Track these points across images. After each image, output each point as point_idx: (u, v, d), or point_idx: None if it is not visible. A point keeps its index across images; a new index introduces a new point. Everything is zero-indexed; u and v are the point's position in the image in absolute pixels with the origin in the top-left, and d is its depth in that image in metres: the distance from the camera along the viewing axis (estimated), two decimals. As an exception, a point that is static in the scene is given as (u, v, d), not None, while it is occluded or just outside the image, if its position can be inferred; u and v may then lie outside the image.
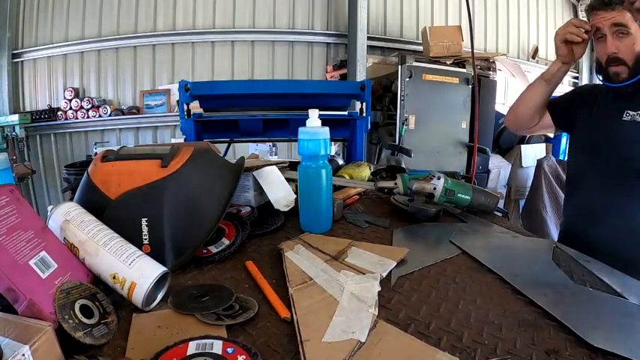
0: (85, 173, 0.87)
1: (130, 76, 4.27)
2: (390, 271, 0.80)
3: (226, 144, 2.15)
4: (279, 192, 1.18)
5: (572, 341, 0.57)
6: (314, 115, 0.98)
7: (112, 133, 4.31)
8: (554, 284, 0.75)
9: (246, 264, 0.85)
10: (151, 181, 0.83)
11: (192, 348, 0.55)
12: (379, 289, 0.72)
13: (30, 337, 0.52)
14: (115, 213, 0.81)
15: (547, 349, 0.56)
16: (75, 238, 0.72)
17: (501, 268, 0.80)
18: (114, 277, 0.69)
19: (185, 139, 1.85)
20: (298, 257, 0.85)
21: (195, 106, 1.85)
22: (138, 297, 0.68)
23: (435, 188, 1.10)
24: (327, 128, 0.99)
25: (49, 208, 0.79)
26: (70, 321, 0.60)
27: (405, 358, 0.54)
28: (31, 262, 0.64)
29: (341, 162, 1.71)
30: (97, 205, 0.81)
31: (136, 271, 0.69)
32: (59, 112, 4.25)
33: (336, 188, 1.33)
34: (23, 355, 0.50)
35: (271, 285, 0.76)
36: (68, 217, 0.75)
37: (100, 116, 4.16)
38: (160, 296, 0.73)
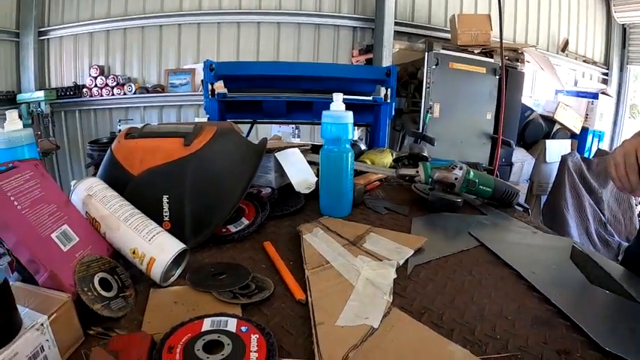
0: (109, 150, 0.89)
1: (155, 55, 4.29)
2: (407, 260, 0.79)
3: (249, 124, 2.14)
4: (301, 174, 1.18)
5: (585, 343, 0.56)
6: (338, 99, 0.98)
7: (136, 111, 4.35)
8: (571, 284, 0.74)
9: (265, 245, 0.86)
10: (174, 159, 0.84)
11: (207, 325, 0.56)
12: (395, 276, 0.72)
13: (49, 307, 0.54)
14: (137, 189, 0.82)
15: (559, 348, 0.55)
16: (97, 213, 0.74)
17: (518, 264, 0.79)
18: (133, 252, 0.71)
19: (209, 119, 1.86)
20: (316, 240, 0.85)
21: (220, 86, 1.86)
22: (156, 272, 0.69)
23: (456, 178, 1.09)
24: (350, 113, 0.98)
25: (73, 182, 0.80)
26: (89, 293, 0.62)
27: (417, 347, 0.54)
28: (53, 235, 0.65)
29: (363, 147, 1.70)
30: (119, 181, 0.83)
31: (156, 246, 0.71)
32: (84, 90, 4.29)
33: (358, 173, 1.32)
34: (42, 324, 0.51)
35: (288, 266, 0.76)
36: (91, 192, 0.76)
37: (124, 94, 4.20)
38: (177, 272, 0.74)
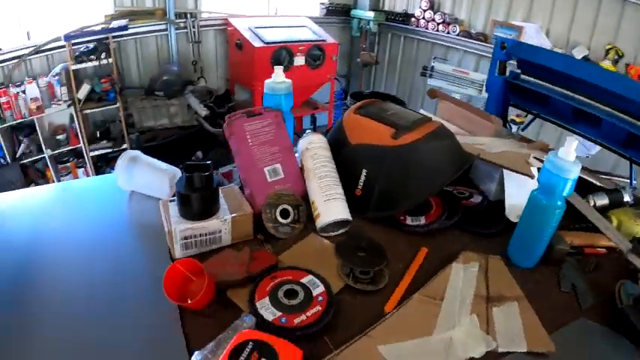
0: (341, 117, 1.08)
1: (485, 3, 4.13)
2: (510, 353, 0.72)
3: (532, 116, 1.91)
4: (519, 200, 1.02)
5: None
6: (570, 145, 0.82)
7: (455, 53, 4.39)
8: None
9: (420, 251, 0.91)
10: (381, 144, 0.96)
11: (305, 279, 0.74)
12: (478, 357, 0.69)
13: (237, 211, 0.83)
14: (348, 155, 1.01)
15: None
16: (305, 164, 0.96)
17: None
18: (312, 203, 0.92)
19: (487, 99, 1.81)
20: (460, 276, 0.85)
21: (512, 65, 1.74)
22: (317, 224, 0.90)
23: None
24: (578, 168, 0.82)
25: (307, 131, 1.03)
26: (269, 215, 0.87)
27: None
28: (265, 169, 0.93)
29: (627, 199, 1.26)
30: (339, 143, 1.02)
31: (326, 207, 0.90)
32: (412, 19, 4.57)
33: (590, 228, 1.07)
34: (226, 220, 0.81)
35: (413, 279, 0.82)
36: (309, 146, 0.98)
37: (447, 33, 4.28)
38: (338, 232, 0.92)
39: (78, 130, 3.57)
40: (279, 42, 3.55)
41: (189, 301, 0.69)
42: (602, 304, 0.86)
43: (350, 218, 0.91)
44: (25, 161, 3.45)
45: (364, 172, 0.98)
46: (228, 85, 4.30)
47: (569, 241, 0.98)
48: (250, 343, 0.58)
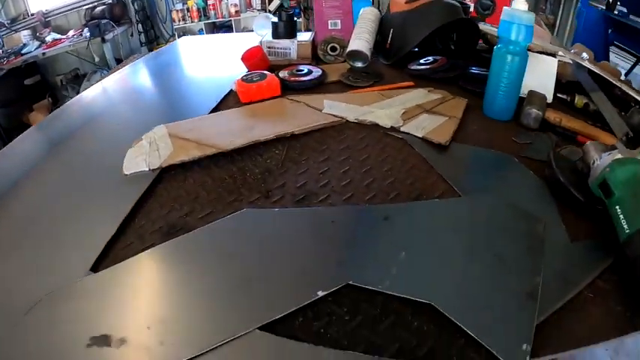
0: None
1: None
2: (407, 134, 0.89)
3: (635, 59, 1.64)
4: (534, 82, 1.02)
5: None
6: None
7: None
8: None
9: (407, 81, 1.19)
10: (400, 10, 1.35)
11: (315, 68, 1.26)
12: (382, 125, 0.93)
13: (303, 39, 1.39)
14: (387, 21, 1.43)
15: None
16: (357, 22, 1.41)
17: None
18: (348, 41, 1.39)
19: (575, 29, 1.73)
20: (419, 95, 1.08)
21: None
22: (345, 51, 1.35)
23: (594, 162, 0.66)
24: (529, 16, 0.90)
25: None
26: (323, 47, 1.39)
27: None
28: (329, 21, 1.44)
29: None
30: (386, 13, 1.46)
31: (352, 42, 1.33)
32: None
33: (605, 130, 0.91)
34: (293, 42, 1.38)
35: (382, 91, 1.17)
36: (363, 13, 1.42)
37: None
38: (359, 64, 1.33)
39: (266, 33, 4.99)
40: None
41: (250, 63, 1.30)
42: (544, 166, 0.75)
43: (362, 50, 1.28)
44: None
45: (391, 31, 1.38)
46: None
47: (554, 118, 0.94)
48: (257, 73, 1.15)
